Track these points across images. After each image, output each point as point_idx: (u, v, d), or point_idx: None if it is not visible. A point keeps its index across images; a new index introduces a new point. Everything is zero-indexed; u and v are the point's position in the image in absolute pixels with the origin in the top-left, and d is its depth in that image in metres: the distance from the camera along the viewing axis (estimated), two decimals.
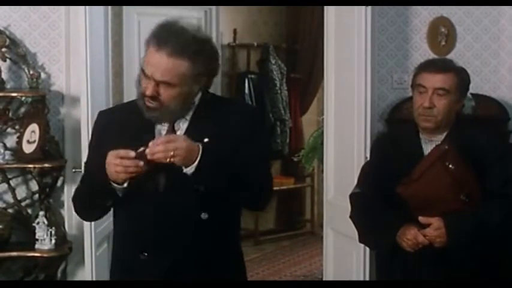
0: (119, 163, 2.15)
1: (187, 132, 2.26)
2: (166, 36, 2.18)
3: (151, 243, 2.27)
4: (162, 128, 2.30)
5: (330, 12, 4.19)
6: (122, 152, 2.16)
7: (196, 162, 2.15)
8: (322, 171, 4.90)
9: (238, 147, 2.26)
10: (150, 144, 2.13)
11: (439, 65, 2.93)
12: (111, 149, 2.20)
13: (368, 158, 3.54)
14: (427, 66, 2.94)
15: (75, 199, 2.43)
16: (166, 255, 2.25)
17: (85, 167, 2.49)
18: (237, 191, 2.27)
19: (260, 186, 2.33)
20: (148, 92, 2.20)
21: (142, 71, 2.22)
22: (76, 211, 2.47)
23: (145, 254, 2.26)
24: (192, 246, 2.25)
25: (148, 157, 2.13)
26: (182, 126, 2.29)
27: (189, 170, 2.16)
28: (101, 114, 2.48)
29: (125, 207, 2.31)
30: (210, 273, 2.27)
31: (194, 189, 2.20)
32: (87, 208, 2.41)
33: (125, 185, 2.21)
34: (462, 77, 2.94)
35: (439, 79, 2.86)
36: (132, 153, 2.14)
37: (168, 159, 2.12)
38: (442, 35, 4.28)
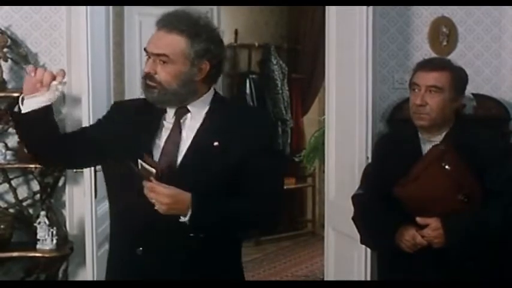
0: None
1: (197, 133, 2.24)
2: (169, 18, 2.22)
3: (145, 239, 2.24)
4: (167, 125, 2.27)
5: (331, 12, 4.19)
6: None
7: (189, 215, 2.12)
8: (324, 171, 4.90)
9: (248, 158, 2.21)
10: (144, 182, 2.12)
11: (434, 64, 2.94)
12: (117, 134, 2.26)
13: (369, 158, 3.54)
14: (423, 65, 2.95)
15: None
16: (157, 253, 2.23)
17: None
18: (237, 220, 2.23)
19: (265, 208, 2.24)
20: (146, 69, 2.21)
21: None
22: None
23: (141, 249, 2.24)
24: (182, 247, 2.22)
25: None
26: (190, 123, 2.26)
27: (184, 219, 2.13)
28: (116, 104, 2.52)
29: (120, 202, 2.30)
30: (202, 275, 2.24)
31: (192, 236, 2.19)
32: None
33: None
34: (458, 75, 2.93)
35: (432, 77, 2.87)
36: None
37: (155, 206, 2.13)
38: (444, 35, 4.28)
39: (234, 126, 2.25)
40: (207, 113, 2.28)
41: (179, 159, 2.23)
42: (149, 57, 2.22)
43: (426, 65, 2.93)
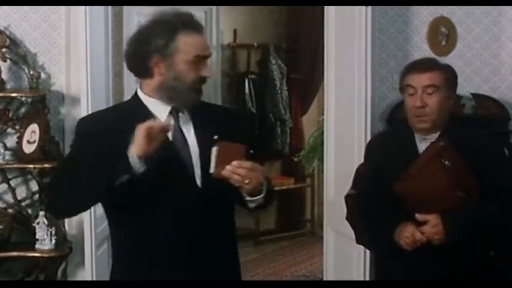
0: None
1: (195, 131, 2.33)
2: None
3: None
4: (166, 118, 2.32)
5: (330, 12, 4.19)
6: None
7: (262, 195, 2.25)
8: (323, 171, 4.90)
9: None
10: (235, 163, 2.17)
11: (424, 64, 2.94)
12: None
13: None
14: (413, 67, 2.95)
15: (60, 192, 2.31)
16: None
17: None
18: None
19: None
20: None
21: None
22: (59, 206, 2.38)
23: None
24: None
25: (224, 173, 2.17)
26: (183, 121, 2.34)
27: (254, 200, 2.25)
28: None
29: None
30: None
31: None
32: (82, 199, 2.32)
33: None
34: (449, 73, 2.94)
35: (427, 77, 2.86)
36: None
37: (241, 184, 2.19)
38: (443, 35, 4.28)
39: (220, 124, 2.38)
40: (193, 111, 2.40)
41: None
42: None
43: (417, 67, 2.92)
